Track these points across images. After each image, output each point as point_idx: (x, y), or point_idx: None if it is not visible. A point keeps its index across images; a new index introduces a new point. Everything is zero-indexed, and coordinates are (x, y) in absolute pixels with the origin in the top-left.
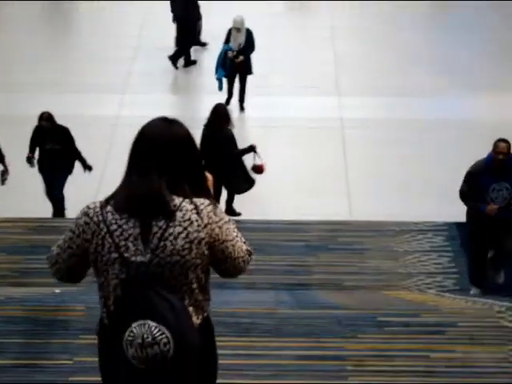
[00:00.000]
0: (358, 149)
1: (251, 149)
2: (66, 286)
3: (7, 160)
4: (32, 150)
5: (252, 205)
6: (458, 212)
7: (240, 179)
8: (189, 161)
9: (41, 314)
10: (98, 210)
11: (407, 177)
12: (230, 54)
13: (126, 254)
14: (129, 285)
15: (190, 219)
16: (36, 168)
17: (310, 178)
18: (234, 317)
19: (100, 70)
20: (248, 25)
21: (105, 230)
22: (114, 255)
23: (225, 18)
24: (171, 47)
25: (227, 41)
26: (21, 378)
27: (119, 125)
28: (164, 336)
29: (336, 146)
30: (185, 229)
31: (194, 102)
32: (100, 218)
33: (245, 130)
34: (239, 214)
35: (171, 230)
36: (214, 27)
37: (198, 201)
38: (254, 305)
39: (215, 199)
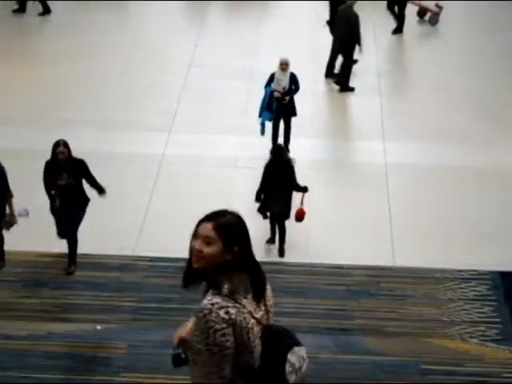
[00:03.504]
0: (401, 194)
1: (304, 189)
2: (107, 323)
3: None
4: (49, 187)
5: (294, 248)
6: (502, 261)
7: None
8: None
9: (82, 350)
10: (227, 298)
11: (451, 224)
12: (276, 94)
13: (257, 316)
14: (271, 334)
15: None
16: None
17: (353, 222)
18: None
19: (146, 108)
20: (293, 66)
21: (241, 307)
22: (253, 321)
23: (270, 57)
24: (217, 86)
25: (269, 84)
26: None
27: (164, 163)
28: (303, 351)
29: (380, 190)
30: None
31: (238, 143)
32: (232, 302)
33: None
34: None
35: (267, 293)
36: (260, 66)
37: None
38: None
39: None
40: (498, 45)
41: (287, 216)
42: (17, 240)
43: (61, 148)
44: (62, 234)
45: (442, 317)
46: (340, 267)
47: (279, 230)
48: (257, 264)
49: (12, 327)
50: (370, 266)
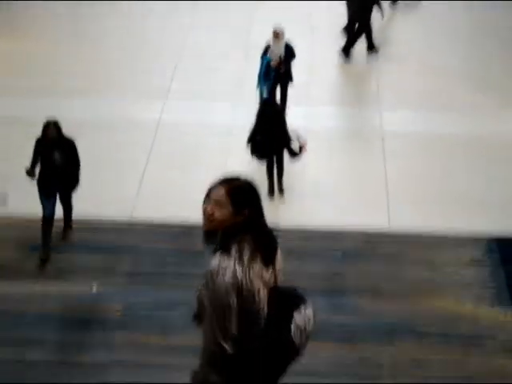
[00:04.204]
0: (398, 160)
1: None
2: (103, 286)
3: None
4: (34, 164)
5: (290, 212)
6: (497, 226)
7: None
8: None
9: (78, 311)
10: (235, 260)
11: (447, 190)
12: (273, 63)
13: (264, 278)
14: (278, 294)
15: None
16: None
17: (349, 188)
18: None
19: (143, 75)
20: (289, 34)
21: (247, 269)
22: (260, 283)
23: (267, 27)
24: (214, 54)
25: (265, 53)
26: (57, 374)
27: (160, 130)
28: (310, 310)
29: (376, 157)
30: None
31: (232, 109)
32: (240, 263)
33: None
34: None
35: (277, 257)
36: (256, 36)
37: None
38: None
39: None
40: (483, 13)
41: (281, 148)
42: (13, 203)
43: (51, 129)
44: (47, 216)
45: (437, 280)
46: (336, 231)
47: (277, 167)
48: (268, 228)
49: (8, 288)
50: (365, 230)
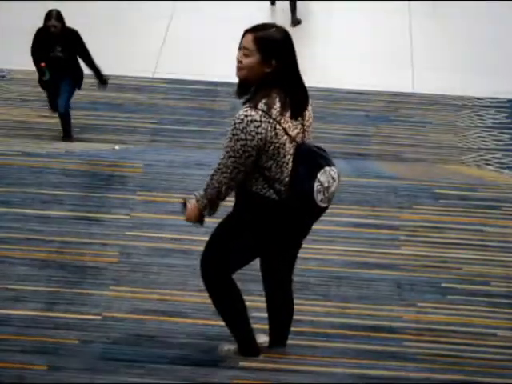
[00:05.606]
0: (423, 22)
1: None
2: (125, 144)
3: None
4: (41, 58)
5: (313, 71)
6: None
7: None
8: None
9: (99, 168)
10: (262, 113)
11: (473, 52)
12: None
13: (291, 133)
14: (304, 151)
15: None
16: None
17: (374, 49)
18: None
19: None
20: None
21: (275, 123)
22: (285, 137)
23: None
24: None
25: None
26: (77, 230)
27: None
28: (335, 171)
29: (402, 18)
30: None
31: None
32: (267, 116)
33: (308, 1)
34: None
35: (307, 113)
36: None
37: None
38: None
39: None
40: None
41: None
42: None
43: (53, 21)
44: (54, 107)
45: (458, 143)
46: (359, 93)
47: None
48: (300, 82)
49: (31, 145)
50: (389, 92)
